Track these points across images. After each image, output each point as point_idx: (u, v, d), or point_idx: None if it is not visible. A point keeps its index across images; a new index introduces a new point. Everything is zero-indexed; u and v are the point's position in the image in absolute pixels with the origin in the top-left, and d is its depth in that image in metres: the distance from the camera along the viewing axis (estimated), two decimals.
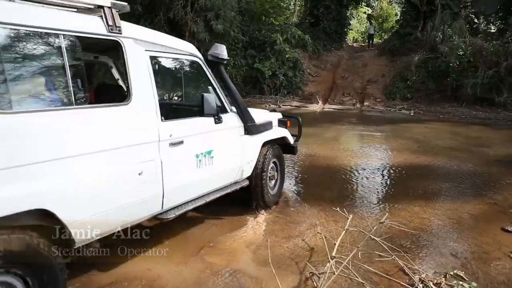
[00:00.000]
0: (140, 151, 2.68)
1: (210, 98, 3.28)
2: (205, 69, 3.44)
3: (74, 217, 2.23)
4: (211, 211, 4.26)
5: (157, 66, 2.97)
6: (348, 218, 3.88)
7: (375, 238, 3.50)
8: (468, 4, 18.20)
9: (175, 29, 14.87)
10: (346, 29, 23.51)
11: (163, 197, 2.90)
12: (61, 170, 2.19)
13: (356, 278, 2.91)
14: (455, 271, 3.13)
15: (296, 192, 5.14)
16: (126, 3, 2.69)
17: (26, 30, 2.11)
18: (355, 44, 25.54)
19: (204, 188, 3.44)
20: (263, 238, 3.70)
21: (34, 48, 2.23)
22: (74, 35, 2.33)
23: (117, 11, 2.57)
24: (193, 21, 13.74)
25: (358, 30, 28.91)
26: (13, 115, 1.98)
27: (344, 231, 3.65)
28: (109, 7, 2.50)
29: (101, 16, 2.49)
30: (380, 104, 15.20)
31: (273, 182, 4.45)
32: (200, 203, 3.37)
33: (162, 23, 14.58)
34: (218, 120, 3.43)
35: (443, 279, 3.01)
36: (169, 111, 3.16)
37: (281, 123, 4.57)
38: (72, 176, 2.24)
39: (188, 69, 3.64)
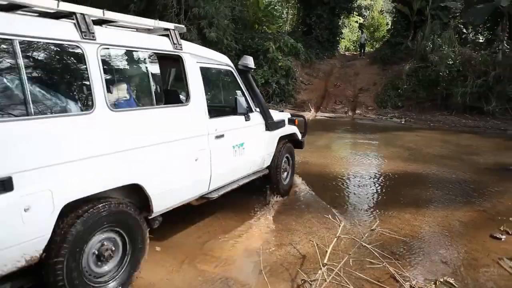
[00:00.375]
0: (196, 142, 3.39)
1: (242, 100, 4.06)
2: (236, 76, 4.23)
3: (155, 191, 2.91)
4: (203, 218, 4.26)
5: (203, 74, 3.62)
6: (339, 226, 3.90)
7: (367, 245, 3.53)
8: (457, 14, 18.56)
9: None
10: (338, 38, 23.78)
11: (210, 180, 3.61)
12: (148, 155, 2.87)
13: (347, 285, 2.93)
14: (445, 278, 3.17)
15: (288, 199, 5.15)
16: (183, 26, 3.47)
17: (124, 48, 3.03)
18: (347, 53, 25.84)
19: (237, 174, 4.16)
20: (255, 246, 3.70)
21: (128, 63, 3.20)
22: (153, 52, 3.23)
23: (178, 32, 3.35)
24: (186, 29, 13.81)
25: (350, 39, 29.27)
26: (115, 113, 2.66)
27: (335, 238, 3.68)
28: (173, 29, 3.29)
29: (168, 36, 3.26)
30: (371, 112, 15.35)
31: (285, 174, 5.18)
32: (234, 187, 4.05)
33: None
34: (247, 118, 4.19)
35: (433, 285, 3.04)
36: (212, 111, 3.69)
37: (290, 121, 5.29)
38: (154, 159, 2.92)
39: (224, 76, 4.38)
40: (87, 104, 2.57)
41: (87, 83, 2.53)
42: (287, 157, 5.17)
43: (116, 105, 2.84)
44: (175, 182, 3.18)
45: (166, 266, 3.27)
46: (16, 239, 2.11)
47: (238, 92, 4.26)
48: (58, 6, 2.39)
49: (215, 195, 3.71)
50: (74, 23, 2.50)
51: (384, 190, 5.81)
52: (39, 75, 2.47)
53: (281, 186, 4.99)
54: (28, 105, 2.18)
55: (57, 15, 2.55)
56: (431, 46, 16.00)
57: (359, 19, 30.05)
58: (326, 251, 3.39)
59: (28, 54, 2.30)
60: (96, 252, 2.55)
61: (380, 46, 22.91)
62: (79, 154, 2.41)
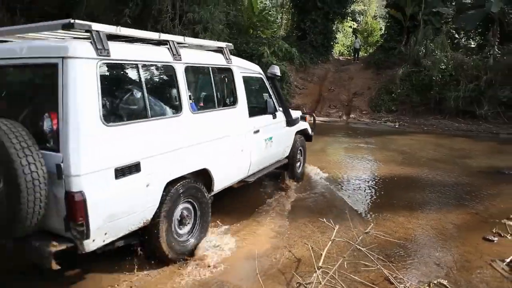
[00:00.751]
0: (242, 136, 4.31)
1: (270, 101, 5.01)
2: (266, 82, 5.16)
3: (216, 175, 3.79)
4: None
5: (244, 81, 4.49)
6: (334, 229, 3.93)
7: (361, 248, 3.56)
8: (449, 20, 18.78)
9: None
10: (332, 43, 23.92)
11: (249, 167, 4.54)
12: (212, 146, 3.75)
13: None
14: (438, 280, 3.20)
15: (283, 203, 5.17)
16: (231, 44, 4.40)
17: (198, 65, 3.88)
18: (341, 58, 25.99)
19: (267, 162, 5.10)
20: (250, 249, 3.71)
21: (198, 75, 4.07)
22: (213, 67, 4.03)
23: (228, 49, 4.27)
24: (181, 34, 13.83)
25: (344, 44, 29.45)
26: (193, 115, 3.52)
27: (330, 242, 3.70)
28: (225, 47, 4.23)
29: (222, 53, 4.20)
30: (366, 117, 15.44)
31: (298, 164, 6.17)
32: (264, 173, 5.01)
33: None
34: (274, 116, 5.09)
35: (427, 287, 3.08)
36: (250, 111, 4.51)
37: (301, 118, 6.14)
38: (216, 150, 3.81)
39: (257, 82, 5.14)
40: (177, 108, 3.38)
41: (177, 92, 3.39)
42: (300, 149, 6.12)
43: (198, 108, 3.83)
44: (228, 167, 4.14)
45: (161, 270, 3.27)
46: (142, 206, 2.96)
47: (266, 95, 5.10)
48: (159, 37, 3.29)
49: (251, 179, 4.66)
50: (168, 48, 3.38)
51: (378, 193, 5.85)
52: (151, 88, 3.23)
53: (296, 173, 5.99)
54: (147, 111, 3.03)
55: (157, 43, 3.47)
56: (424, 51, 16.16)
57: (353, 24, 30.27)
58: (321, 254, 3.41)
59: (145, 73, 3.16)
60: (179, 218, 3.43)
61: (374, 51, 23.09)
62: (175, 145, 3.26)
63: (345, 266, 3.28)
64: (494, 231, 4.31)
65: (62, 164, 2.43)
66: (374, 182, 6.47)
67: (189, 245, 3.51)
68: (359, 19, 31.87)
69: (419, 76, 15.46)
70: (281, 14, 27.75)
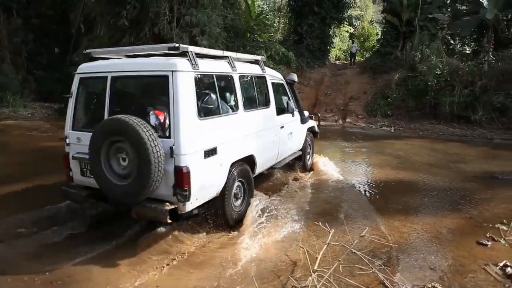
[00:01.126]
0: (273, 131, 5.37)
1: (290, 102, 6.04)
2: (286, 87, 6.22)
3: (258, 160, 4.82)
4: (190, 227, 4.27)
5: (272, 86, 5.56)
6: (330, 233, 3.94)
7: (356, 251, 3.57)
8: (445, 26, 18.94)
9: (161, 43, 14.96)
10: (329, 47, 24.02)
11: (277, 155, 5.62)
12: (256, 138, 4.80)
13: None
14: (432, 284, 3.22)
15: (279, 207, 5.18)
16: (263, 56, 5.69)
17: (246, 74, 4.93)
18: (337, 62, 26.11)
19: (288, 153, 6.16)
20: (246, 253, 3.72)
21: (240, 84, 4.61)
22: (254, 75, 5.11)
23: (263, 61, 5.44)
24: (179, 37, 13.82)
25: (340, 48, 29.59)
26: (246, 112, 4.57)
27: (326, 245, 3.71)
28: (260, 60, 5.39)
29: (258, 64, 5.35)
30: (361, 121, 15.51)
31: (308, 156, 7.16)
32: (286, 161, 6.02)
33: (147, 38, 14.62)
34: (293, 115, 6.12)
35: None
36: (277, 110, 5.53)
37: (309, 117, 7.10)
38: (258, 140, 4.86)
39: (280, 87, 6.07)
40: (235, 107, 4.47)
41: (235, 95, 4.49)
42: (309, 144, 7.13)
43: (245, 108, 4.65)
44: (265, 155, 5.14)
45: (157, 274, 3.27)
46: (216, 181, 3.98)
47: (285, 98, 6.07)
48: (223, 53, 4.40)
49: (278, 166, 5.78)
50: (228, 62, 4.47)
51: (373, 198, 5.87)
52: (220, 92, 4.17)
53: (306, 164, 7.01)
54: (220, 109, 4.07)
55: (216, 57, 4.43)
56: (419, 56, 16.27)
57: (350, 29, 30.46)
58: (316, 258, 3.42)
59: (217, 81, 4.11)
60: (235, 192, 4.40)
61: (370, 55, 23.22)
62: (235, 136, 4.31)
63: (340, 269, 3.30)
64: (488, 236, 4.35)
65: (173, 146, 3.41)
66: (369, 186, 6.50)
67: (241, 214, 4.47)
68: (356, 24, 32.07)
69: (415, 81, 15.57)
70: (278, 18, 27.86)
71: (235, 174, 4.28)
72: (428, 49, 16.24)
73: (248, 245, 3.88)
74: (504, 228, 4.58)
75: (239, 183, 4.46)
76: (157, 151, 3.26)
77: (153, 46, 4.36)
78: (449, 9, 19.39)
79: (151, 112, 3.59)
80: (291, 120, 6.07)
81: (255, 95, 5.07)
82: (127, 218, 3.93)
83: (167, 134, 3.47)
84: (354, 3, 26.84)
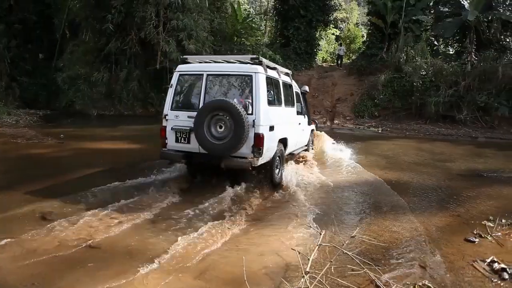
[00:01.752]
0: (295, 125, 7.01)
1: (304, 107, 7.86)
2: (300, 95, 7.96)
3: (289, 142, 6.41)
4: (182, 227, 4.23)
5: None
6: (321, 234, 3.95)
7: (347, 252, 3.59)
8: (428, 27, 19.30)
9: (147, 48, 14.87)
10: (315, 50, 24.24)
11: (296, 144, 7.23)
12: (287, 127, 6.41)
13: None
14: (423, 282, 3.26)
15: (269, 209, 5.18)
16: (289, 71, 7.26)
17: (284, 81, 6.58)
18: (324, 64, 26.34)
19: (301, 145, 7.82)
20: (237, 255, 3.71)
21: (282, 87, 6.39)
22: (288, 83, 6.87)
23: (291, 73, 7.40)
24: (165, 41, 13.79)
25: (327, 51, 29.88)
26: (284, 107, 6.35)
27: (317, 247, 3.72)
28: (290, 72, 7.22)
29: (289, 76, 7.08)
30: (349, 122, 15.66)
31: (311, 149, 8.84)
32: (298, 152, 7.76)
33: (133, 42, 14.54)
34: (304, 117, 7.84)
35: None
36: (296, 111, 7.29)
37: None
38: (290, 129, 6.56)
39: (298, 95, 7.76)
40: (280, 102, 6.24)
41: (279, 94, 6.25)
42: (312, 140, 8.92)
43: (283, 104, 6.41)
44: (292, 141, 6.71)
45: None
46: (272, 149, 5.65)
47: (298, 104, 7.51)
48: (274, 65, 6.24)
49: (296, 153, 7.57)
50: (276, 71, 6.28)
51: (362, 198, 5.92)
52: (280, 94, 6.26)
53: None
54: (274, 101, 5.92)
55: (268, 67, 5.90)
56: (404, 57, 16.54)
57: (336, 31, 30.78)
58: (308, 259, 3.43)
59: (272, 83, 5.89)
60: (276, 164, 5.97)
61: (356, 57, 23.48)
62: (280, 121, 5.98)
63: (332, 270, 3.31)
64: (475, 232, 4.43)
65: (255, 120, 5.20)
66: (358, 186, 6.55)
67: (279, 180, 6.13)
68: (342, 27, 32.44)
69: (401, 82, 15.81)
70: (265, 22, 28.03)
71: (278, 149, 5.93)
72: (412, 51, 16.54)
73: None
74: (491, 224, 4.67)
75: (278, 157, 6.02)
76: (247, 122, 5.05)
77: (240, 56, 6.46)
78: (432, 11, 19.78)
79: (234, 99, 5.30)
80: (304, 121, 7.81)
81: (288, 97, 6.74)
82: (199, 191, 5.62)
83: (250, 112, 5.24)
84: (339, 6, 27.16)
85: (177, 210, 4.82)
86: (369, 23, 21.67)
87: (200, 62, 6.05)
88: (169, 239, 3.97)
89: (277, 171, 6.03)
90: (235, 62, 5.83)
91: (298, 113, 7.34)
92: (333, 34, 30.28)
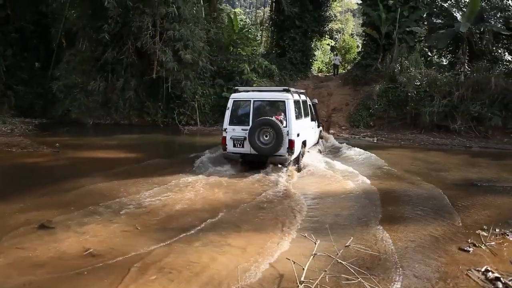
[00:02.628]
0: (311, 129, 9.72)
1: (315, 115, 10.50)
2: (312, 106, 10.14)
3: (308, 142, 9.23)
4: (178, 240, 4.22)
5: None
6: (315, 243, 3.96)
7: (342, 262, 3.60)
8: (422, 39, 19.56)
9: (144, 58, 14.93)
10: (311, 60, 24.45)
11: (311, 143, 10.01)
12: (306, 131, 8.89)
13: None
14: None
15: (263, 218, 5.18)
16: (303, 90, 10.19)
17: (303, 100, 9.18)
18: (320, 74, 26.53)
19: (314, 142, 10.36)
20: (232, 267, 3.70)
21: (302, 104, 8.90)
22: (305, 100, 9.36)
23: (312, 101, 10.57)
24: (162, 51, 13.87)
25: (322, 61, 30.15)
26: (303, 118, 8.86)
27: (312, 256, 3.73)
28: (305, 92, 10.25)
29: (304, 94, 9.68)
30: (345, 132, 15.73)
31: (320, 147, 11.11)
32: (311, 147, 10.01)
33: (130, 52, 14.61)
34: (315, 122, 10.41)
35: None
36: (310, 119, 9.70)
37: None
38: (307, 132, 9.19)
39: (311, 106, 9.99)
40: (302, 115, 8.66)
41: (302, 110, 8.73)
42: (320, 137, 11.50)
43: (300, 117, 8.58)
44: (309, 141, 9.32)
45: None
46: (298, 149, 8.11)
47: (311, 113, 9.78)
48: (299, 91, 9.32)
49: (309, 150, 9.41)
50: (298, 94, 8.81)
51: (357, 207, 5.93)
52: (298, 108, 8.34)
53: (320, 151, 10.57)
54: (300, 115, 8.55)
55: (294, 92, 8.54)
56: (399, 68, 16.71)
57: (331, 42, 31.11)
58: (303, 269, 3.43)
59: (298, 103, 8.51)
60: (300, 156, 8.48)
61: (351, 68, 23.71)
62: (302, 128, 8.43)
63: (327, 280, 3.32)
64: (469, 242, 4.45)
65: (288, 131, 7.56)
66: (353, 196, 6.56)
67: (301, 166, 8.27)
68: (337, 37, 32.80)
69: (395, 92, 15.95)
70: (261, 32, 28.29)
71: (301, 148, 8.34)
72: (407, 61, 16.71)
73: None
74: (485, 234, 4.70)
75: (301, 153, 8.44)
76: (284, 132, 7.43)
77: (275, 88, 10.14)
78: (425, 23, 20.06)
79: (273, 116, 7.62)
80: (314, 126, 10.28)
81: (306, 110, 9.14)
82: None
83: (285, 125, 7.59)
84: (334, 17, 27.50)
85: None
86: (364, 34, 21.92)
87: (247, 92, 8.54)
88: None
89: (300, 162, 8.39)
90: (272, 91, 8.66)
91: (311, 120, 9.79)
92: (328, 44, 30.60)
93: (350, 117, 16.82)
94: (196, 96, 15.63)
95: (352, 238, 4.30)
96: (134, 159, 9.39)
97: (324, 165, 8.73)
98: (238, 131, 7.84)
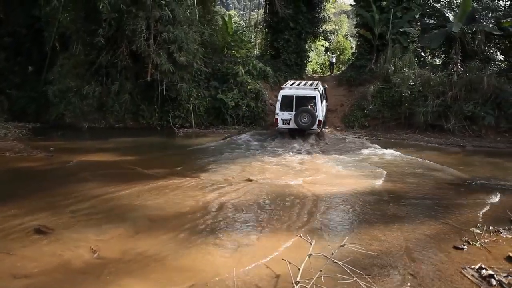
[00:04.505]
0: (325, 107, 13.65)
1: (326, 95, 14.15)
2: (323, 92, 13.55)
3: (324, 117, 13.20)
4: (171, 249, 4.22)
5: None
6: (311, 244, 3.97)
7: (337, 261, 3.61)
8: (415, 39, 19.67)
9: (138, 61, 14.88)
10: (305, 61, 24.45)
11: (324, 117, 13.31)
12: (323, 113, 12.79)
13: None
14: None
15: (259, 220, 5.19)
16: (326, 85, 15.82)
17: (323, 90, 13.80)
18: (314, 75, 26.57)
19: (324, 115, 13.44)
20: (228, 266, 3.70)
21: (323, 93, 13.54)
22: (324, 90, 13.96)
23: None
24: (156, 54, 13.84)
25: (317, 62, 30.20)
26: (323, 103, 12.91)
27: (307, 257, 3.74)
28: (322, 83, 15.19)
29: (322, 85, 14.14)
30: (340, 132, 15.76)
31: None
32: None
33: (124, 55, 14.55)
34: (326, 101, 13.94)
35: None
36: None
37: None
38: (324, 111, 13.20)
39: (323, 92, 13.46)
40: (323, 100, 12.75)
41: (323, 96, 13.01)
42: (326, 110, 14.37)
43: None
44: (325, 115, 13.36)
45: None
46: (321, 123, 12.41)
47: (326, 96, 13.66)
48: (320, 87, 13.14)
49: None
50: (320, 87, 13.06)
51: (353, 208, 5.95)
52: (322, 96, 12.79)
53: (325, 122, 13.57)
54: (323, 100, 12.84)
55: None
56: (393, 68, 16.76)
57: (325, 43, 31.21)
58: (299, 269, 3.44)
59: (323, 94, 13.58)
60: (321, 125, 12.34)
61: (345, 68, 23.79)
62: (323, 109, 12.72)
63: (322, 280, 3.33)
64: (464, 240, 4.49)
65: (318, 114, 11.55)
66: (348, 196, 6.58)
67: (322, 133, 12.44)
68: (331, 38, 32.89)
69: (390, 92, 16.01)
70: (255, 34, 28.31)
71: (323, 122, 12.03)
72: (400, 62, 16.78)
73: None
74: (478, 231, 4.74)
75: (322, 126, 12.13)
76: (316, 115, 11.35)
77: (308, 87, 12.58)
78: (418, 24, 20.17)
79: (308, 105, 11.60)
80: (325, 104, 13.20)
81: (323, 96, 12.57)
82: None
83: (315, 111, 11.43)
84: (328, 19, 27.59)
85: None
86: (357, 35, 22.00)
87: (290, 89, 12.45)
88: None
89: (321, 131, 12.41)
90: (306, 89, 12.38)
91: (326, 101, 13.45)
92: (322, 45, 30.68)
93: (345, 117, 16.83)
94: (191, 99, 15.58)
95: (347, 238, 4.31)
96: (128, 161, 9.36)
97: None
98: (286, 114, 11.92)
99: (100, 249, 4.04)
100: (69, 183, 6.85)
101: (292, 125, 11.87)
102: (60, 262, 3.72)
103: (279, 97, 12.25)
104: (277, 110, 12.12)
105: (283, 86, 13.15)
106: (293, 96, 12.06)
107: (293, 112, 11.82)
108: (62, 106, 15.43)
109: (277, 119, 12.11)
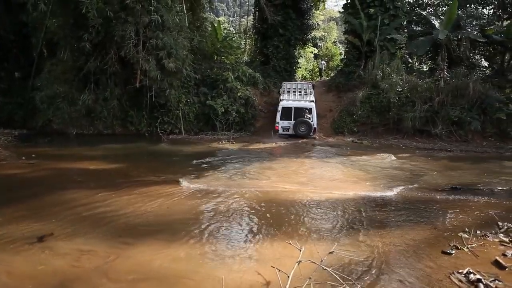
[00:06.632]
0: (313, 107, 15.50)
1: (314, 98, 16.46)
2: (312, 88, 17.76)
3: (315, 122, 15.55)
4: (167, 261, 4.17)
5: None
6: (300, 250, 3.96)
7: (327, 268, 3.60)
8: (403, 46, 20.01)
9: (127, 67, 14.79)
10: (295, 67, 24.68)
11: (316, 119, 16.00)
12: (316, 119, 15.42)
13: None
14: None
15: (249, 227, 5.16)
16: (313, 83, 20.51)
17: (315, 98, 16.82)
18: (304, 81, 26.79)
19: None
20: (217, 274, 3.66)
21: (315, 100, 16.79)
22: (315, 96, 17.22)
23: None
24: (145, 60, 13.77)
25: (306, 68, 30.45)
26: (315, 111, 15.54)
27: (296, 264, 3.72)
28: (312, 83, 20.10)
29: (313, 87, 17.98)
30: (329, 138, 15.86)
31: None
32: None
33: (113, 61, 14.45)
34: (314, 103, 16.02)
35: None
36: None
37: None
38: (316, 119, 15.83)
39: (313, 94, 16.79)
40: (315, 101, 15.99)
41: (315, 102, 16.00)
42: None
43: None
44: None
45: None
46: (316, 130, 15.40)
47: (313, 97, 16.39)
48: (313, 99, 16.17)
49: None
50: (314, 95, 16.77)
51: (342, 213, 5.96)
52: (316, 102, 16.14)
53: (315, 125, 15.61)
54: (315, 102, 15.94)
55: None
56: (381, 74, 17.02)
57: (314, 50, 31.50)
58: (288, 277, 3.42)
59: (315, 104, 16.34)
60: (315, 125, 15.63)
61: (334, 74, 24.02)
62: (316, 118, 15.23)
63: (312, 287, 3.31)
64: (452, 245, 4.52)
65: (313, 123, 14.85)
66: (337, 202, 6.59)
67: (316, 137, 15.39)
68: (320, 45, 33.22)
69: (378, 98, 16.22)
70: (244, 40, 28.43)
71: (317, 129, 15.13)
72: (388, 68, 17.04)
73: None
74: (466, 236, 4.79)
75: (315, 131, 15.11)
76: (312, 124, 14.67)
77: (305, 99, 15.80)
78: (405, 30, 20.53)
79: (305, 115, 14.86)
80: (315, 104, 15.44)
81: (314, 100, 15.74)
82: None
83: (311, 120, 14.70)
84: (317, 25, 27.88)
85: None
86: (346, 41, 22.28)
87: (288, 101, 15.26)
88: None
89: (315, 135, 15.01)
90: (303, 101, 15.32)
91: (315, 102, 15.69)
92: (311, 52, 30.95)
93: (334, 123, 16.98)
94: (180, 105, 15.54)
95: (336, 244, 4.31)
96: (116, 169, 9.25)
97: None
98: (285, 123, 14.75)
99: (88, 258, 3.96)
100: (55, 190, 6.73)
101: (290, 131, 14.76)
102: (48, 270, 3.64)
103: (279, 108, 14.81)
104: (278, 119, 14.77)
105: (281, 91, 16.68)
106: (292, 107, 14.84)
107: (292, 121, 14.65)
108: (49, 112, 15.23)
109: (277, 126, 14.88)
